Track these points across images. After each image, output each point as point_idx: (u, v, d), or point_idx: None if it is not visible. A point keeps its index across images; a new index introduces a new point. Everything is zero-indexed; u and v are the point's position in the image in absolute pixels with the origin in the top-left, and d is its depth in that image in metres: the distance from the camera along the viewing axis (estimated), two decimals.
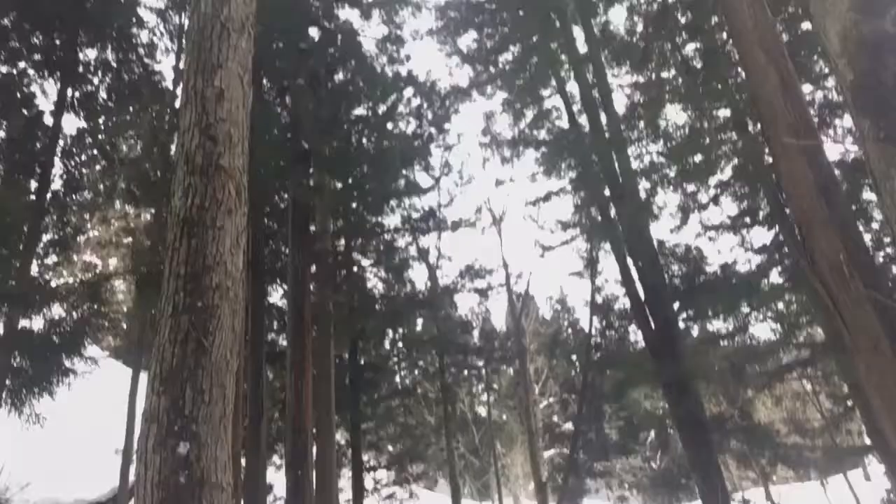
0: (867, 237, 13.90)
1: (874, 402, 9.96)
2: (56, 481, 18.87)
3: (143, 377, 12.98)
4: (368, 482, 23.88)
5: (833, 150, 19.70)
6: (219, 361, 6.13)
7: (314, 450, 15.76)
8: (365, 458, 23.93)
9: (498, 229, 31.14)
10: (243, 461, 14.17)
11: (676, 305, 17.18)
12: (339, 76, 18.67)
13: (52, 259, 13.99)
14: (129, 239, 19.60)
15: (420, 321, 29.46)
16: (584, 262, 21.46)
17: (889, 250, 14.36)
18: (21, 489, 15.46)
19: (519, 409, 32.75)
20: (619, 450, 29.61)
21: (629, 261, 17.11)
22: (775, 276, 16.69)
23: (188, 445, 5.72)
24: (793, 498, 21.23)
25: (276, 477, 18.95)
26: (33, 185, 13.51)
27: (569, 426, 31.31)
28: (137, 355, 15.13)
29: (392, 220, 28.91)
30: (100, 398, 22.12)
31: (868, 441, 19.48)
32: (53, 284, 13.98)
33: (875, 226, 14.68)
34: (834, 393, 21.66)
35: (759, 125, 13.82)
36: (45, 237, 13.64)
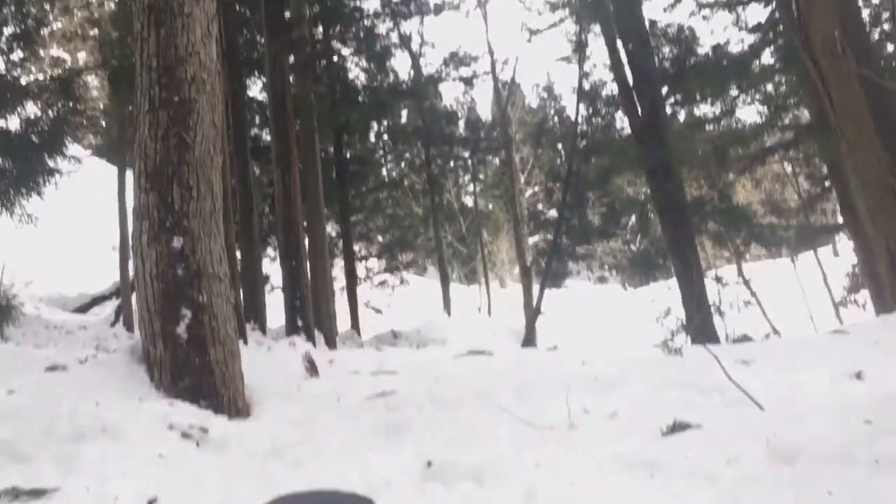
0: (865, 13, 13.39)
1: (852, 181, 10.21)
2: (58, 278, 19.54)
3: (130, 175, 12.95)
4: (361, 270, 24.90)
5: None
6: (202, 157, 6.10)
7: (306, 241, 16.21)
8: (356, 248, 24.75)
9: (483, 12, 29.71)
10: (238, 254, 14.61)
11: (665, 90, 16.92)
12: None
13: (17, 55, 13.38)
14: (95, 30, 18.60)
15: (404, 112, 29.06)
16: (573, 46, 20.76)
17: (886, 27, 13.90)
18: (25, 286, 16.02)
19: (505, 198, 33.37)
20: (600, 234, 30.63)
21: (619, 43, 16.55)
22: (767, 57, 16.31)
23: (182, 240, 5.86)
24: (763, 274, 22.39)
25: (272, 268, 19.67)
26: None
27: (553, 213, 32.12)
28: (120, 153, 14.99)
29: (371, 4, 27.45)
30: (89, 197, 22.28)
31: (840, 220, 20.21)
32: (24, 82, 13.51)
33: (875, 0, 14.09)
34: (813, 174, 22.11)
35: None
36: (7, 31, 12.94)
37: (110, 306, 16.61)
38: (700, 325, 13.09)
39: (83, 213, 22.67)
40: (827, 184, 19.73)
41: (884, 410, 3.94)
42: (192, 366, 5.40)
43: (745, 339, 14.71)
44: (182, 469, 3.94)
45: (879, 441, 3.46)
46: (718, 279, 19.05)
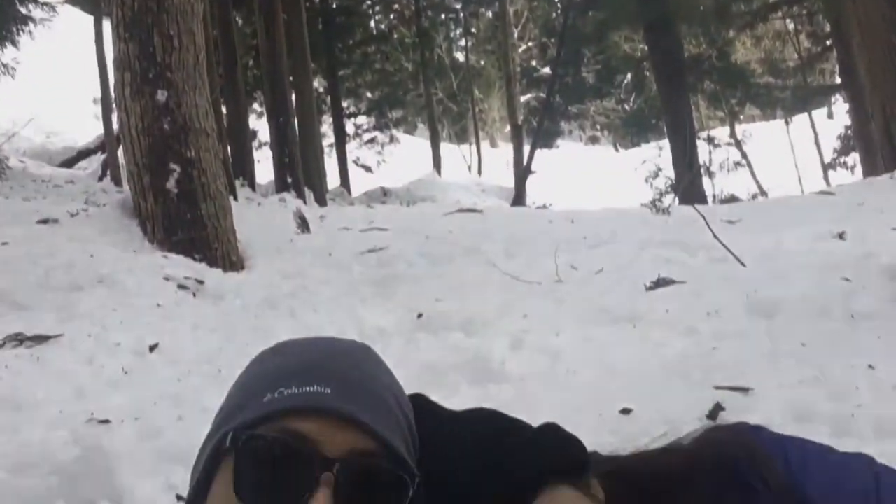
0: None
1: (854, 38, 9.94)
2: (41, 132, 19.17)
3: (107, 24, 12.40)
4: (349, 127, 24.52)
5: None
6: (182, 5, 5.83)
7: (293, 97, 15.82)
8: (344, 104, 24.23)
9: None
10: (223, 109, 14.29)
11: None
12: None
13: None
14: None
15: None
16: None
17: None
18: (8, 139, 15.73)
19: (497, 54, 32.36)
20: (594, 93, 30.03)
21: None
22: None
23: (166, 93, 5.73)
24: (756, 136, 22.25)
25: (259, 124, 19.32)
26: None
27: (546, 70, 31.28)
28: (95, 1, 14.24)
29: None
30: (66, 48, 21.44)
31: (838, 80, 19.86)
32: None
33: None
34: (815, 32, 21.49)
35: None
36: None
37: (96, 160, 16.38)
38: (689, 185, 13.16)
39: (61, 65, 21.90)
40: (828, 42, 19.23)
41: (863, 269, 4.05)
42: (184, 220, 5.44)
43: (733, 199, 14.85)
44: (180, 318, 4.06)
45: (856, 297, 3.59)
46: (710, 140, 18.95)
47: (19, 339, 3.52)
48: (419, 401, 0.89)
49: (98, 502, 2.20)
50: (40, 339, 3.53)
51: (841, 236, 5.51)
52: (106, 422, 2.70)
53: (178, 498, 2.21)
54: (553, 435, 0.88)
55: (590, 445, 0.93)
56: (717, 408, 2.69)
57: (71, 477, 2.24)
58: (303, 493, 0.72)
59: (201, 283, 4.69)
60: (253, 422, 0.76)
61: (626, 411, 2.79)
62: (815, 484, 0.84)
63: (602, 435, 2.50)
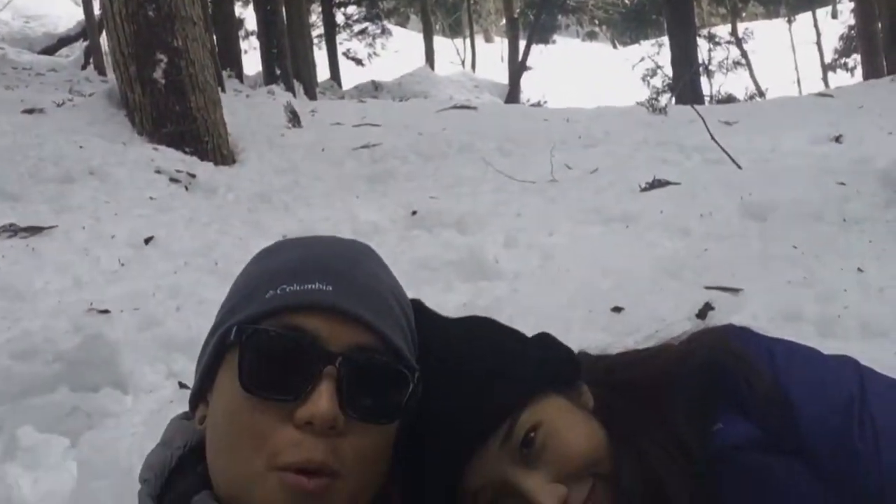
0: None
1: None
2: (20, 16, 18.44)
3: None
4: (339, 18, 23.69)
5: None
6: None
7: None
8: None
9: None
10: None
11: None
12: None
13: None
14: None
15: None
16: None
17: None
18: None
19: None
20: None
21: None
22: None
23: None
24: (757, 35, 21.70)
25: (245, 12, 18.65)
26: None
27: None
28: None
29: None
30: None
31: None
32: None
33: None
34: None
35: None
36: None
37: (78, 48, 15.84)
38: (687, 84, 12.91)
39: None
40: None
41: (858, 173, 4.05)
42: (173, 112, 5.33)
43: (730, 99, 14.64)
44: (173, 211, 4.05)
45: (849, 201, 3.61)
46: (711, 37, 18.50)
47: (13, 230, 3.51)
48: (416, 305, 0.90)
49: (102, 388, 2.26)
50: (34, 230, 3.52)
51: (838, 140, 5.49)
52: (105, 312, 2.74)
53: (181, 385, 2.26)
54: (545, 345, 0.90)
55: (580, 342, 0.95)
56: (707, 307, 2.75)
57: (74, 364, 2.29)
58: (306, 385, 0.73)
59: (193, 176, 4.65)
60: (256, 317, 0.77)
61: (617, 309, 2.84)
62: (799, 387, 0.86)
63: (593, 332, 2.56)
